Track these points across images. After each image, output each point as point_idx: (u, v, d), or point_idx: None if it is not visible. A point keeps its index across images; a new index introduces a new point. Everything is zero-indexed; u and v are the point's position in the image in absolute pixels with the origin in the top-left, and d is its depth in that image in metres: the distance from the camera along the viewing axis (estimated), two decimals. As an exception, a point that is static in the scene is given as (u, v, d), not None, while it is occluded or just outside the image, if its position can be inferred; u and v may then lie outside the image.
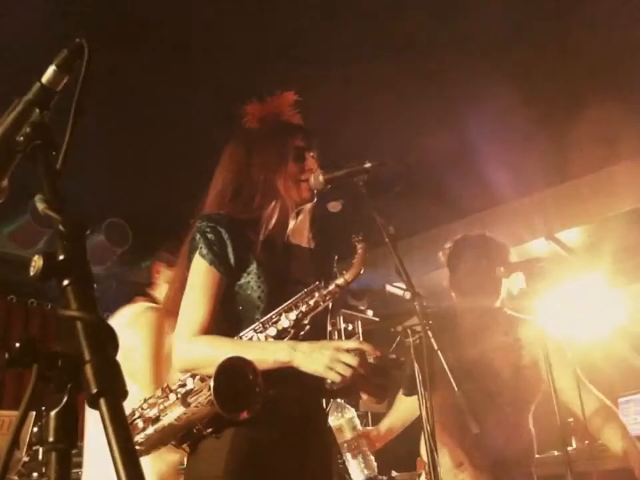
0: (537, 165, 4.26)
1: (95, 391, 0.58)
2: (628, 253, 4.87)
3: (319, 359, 1.50)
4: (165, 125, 3.50)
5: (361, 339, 5.74)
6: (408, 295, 1.60)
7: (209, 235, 1.65)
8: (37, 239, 4.07)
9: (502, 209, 4.89)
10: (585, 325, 4.95)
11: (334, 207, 4.65)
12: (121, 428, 0.56)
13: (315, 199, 1.82)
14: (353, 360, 1.49)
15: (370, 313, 5.96)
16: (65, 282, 0.65)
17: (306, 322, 1.60)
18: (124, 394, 0.60)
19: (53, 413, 0.60)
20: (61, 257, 0.68)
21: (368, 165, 1.70)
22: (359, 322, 5.88)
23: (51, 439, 0.60)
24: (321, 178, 1.75)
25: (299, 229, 1.84)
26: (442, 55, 3.20)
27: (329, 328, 1.81)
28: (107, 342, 0.62)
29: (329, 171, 1.77)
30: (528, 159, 4.17)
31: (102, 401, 0.58)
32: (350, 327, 5.79)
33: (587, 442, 3.89)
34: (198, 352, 1.57)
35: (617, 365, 4.49)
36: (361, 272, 1.64)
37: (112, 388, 0.59)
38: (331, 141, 1.86)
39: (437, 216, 4.87)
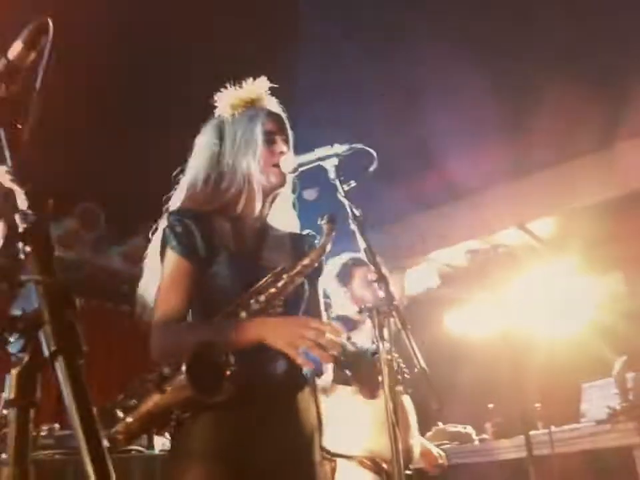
0: (507, 155, 4.32)
1: (53, 349, 0.61)
2: (597, 244, 4.96)
3: (283, 334, 1.52)
4: (140, 109, 3.48)
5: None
6: (374, 277, 1.64)
7: (177, 228, 1.68)
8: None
9: (474, 198, 4.95)
10: (554, 314, 5.04)
11: (310, 195, 4.67)
12: (78, 385, 0.59)
13: (286, 183, 1.84)
14: (313, 335, 1.48)
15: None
16: (27, 249, 0.68)
17: (276, 303, 1.62)
18: (81, 352, 0.63)
19: (14, 372, 0.63)
20: (24, 226, 0.70)
21: (338, 148, 1.72)
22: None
23: (12, 396, 0.62)
24: (291, 161, 1.77)
25: (279, 213, 1.87)
26: (412, 48, 3.24)
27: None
28: (65, 304, 0.64)
29: (299, 154, 1.79)
30: (498, 149, 4.23)
31: (60, 359, 0.60)
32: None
33: (552, 427, 4.00)
34: (172, 338, 1.61)
35: (584, 353, 4.59)
36: (327, 251, 1.67)
37: (70, 346, 0.62)
38: (298, 128, 1.88)
39: (408, 206, 4.92)
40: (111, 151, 3.76)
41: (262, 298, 1.61)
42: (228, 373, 1.44)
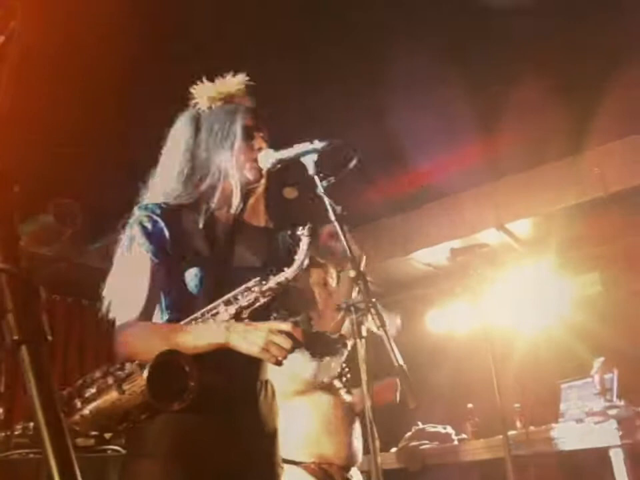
0: (486, 157, 4.35)
1: (16, 338, 0.59)
2: (573, 246, 5.02)
3: (253, 340, 1.50)
4: (120, 101, 3.44)
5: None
6: (352, 273, 1.63)
7: (146, 224, 1.64)
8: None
9: (453, 198, 4.98)
10: (531, 313, 5.08)
11: (289, 193, 4.63)
12: (41, 374, 0.57)
13: (264, 179, 1.82)
14: (286, 342, 1.49)
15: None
16: (-10, 236, 0.65)
17: (244, 316, 1.60)
18: (46, 342, 0.60)
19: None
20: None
21: (317, 144, 1.69)
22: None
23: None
24: (270, 157, 1.74)
25: (254, 210, 1.84)
26: (391, 50, 3.25)
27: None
28: (30, 293, 0.62)
29: (278, 150, 1.76)
30: (477, 151, 4.25)
31: (23, 348, 0.58)
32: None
33: (531, 427, 4.02)
34: (135, 339, 1.56)
35: (561, 353, 4.63)
36: (303, 268, 1.62)
37: (33, 336, 0.60)
38: (278, 123, 1.85)
39: (389, 205, 4.93)
40: (88, 145, 3.71)
41: (231, 310, 1.59)
42: (190, 384, 1.42)
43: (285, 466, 2.61)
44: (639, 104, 3.93)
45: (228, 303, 1.59)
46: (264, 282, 1.61)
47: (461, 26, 3.24)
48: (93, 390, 1.52)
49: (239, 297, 1.60)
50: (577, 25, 3.29)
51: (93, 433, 1.57)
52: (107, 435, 1.60)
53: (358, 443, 2.67)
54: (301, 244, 1.62)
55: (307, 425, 2.58)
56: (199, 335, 1.55)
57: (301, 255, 1.61)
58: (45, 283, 0.68)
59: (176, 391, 1.42)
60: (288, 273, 1.60)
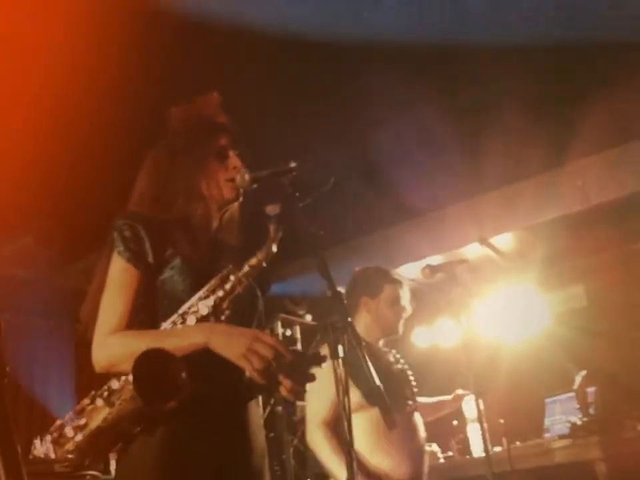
0: (470, 170, 4.37)
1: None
2: (557, 259, 5.04)
3: (235, 345, 1.49)
4: (100, 122, 3.43)
5: (300, 344, 5.76)
6: (329, 293, 1.62)
7: (126, 233, 1.64)
8: None
9: (436, 213, 5.00)
10: (515, 327, 5.09)
11: (272, 210, 4.63)
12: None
13: (241, 198, 1.82)
14: (268, 352, 1.47)
15: (309, 317, 5.98)
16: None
17: (224, 306, 1.60)
18: (4, 372, 0.60)
19: None
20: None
21: (293, 164, 1.70)
22: (298, 327, 5.89)
23: None
24: (246, 176, 1.73)
25: (228, 228, 1.85)
26: (370, 67, 3.28)
27: (267, 333, 1.81)
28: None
29: (254, 169, 1.77)
30: (459, 166, 4.28)
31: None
32: (289, 332, 5.79)
33: (517, 442, 4.01)
34: (114, 347, 1.56)
35: (544, 367, 4.64)
36: (274, 250, 1.63)
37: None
38: (254, 143, 1.86)
39: (370, 222, 4.94)
40: (70, 165, 3.70)
41: (210, 302, 1.59)
42: (181, 378, 1.41)
43: None
44: (618, 117, 3.98)
45: (205, 297, 1.59)
46: (237, 268, 1.61)
47: (441, 41, 3.26)
48: (84, 417, 1.52)
49: (216, 289, 1.60)
50: (558, 40, 3.33)
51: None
52: (86, 461, 1.58)
53: (419, 460, 2.68)
54: (270, 229, 1.62)
55: (363, 440, 2.59)
56: (180, 335, 1.54)
57: (270, 238, 1.62)
58: (24, 304, 0.67)
59: (167, 390, 1.41)
60: (260, 255, 1.61)
